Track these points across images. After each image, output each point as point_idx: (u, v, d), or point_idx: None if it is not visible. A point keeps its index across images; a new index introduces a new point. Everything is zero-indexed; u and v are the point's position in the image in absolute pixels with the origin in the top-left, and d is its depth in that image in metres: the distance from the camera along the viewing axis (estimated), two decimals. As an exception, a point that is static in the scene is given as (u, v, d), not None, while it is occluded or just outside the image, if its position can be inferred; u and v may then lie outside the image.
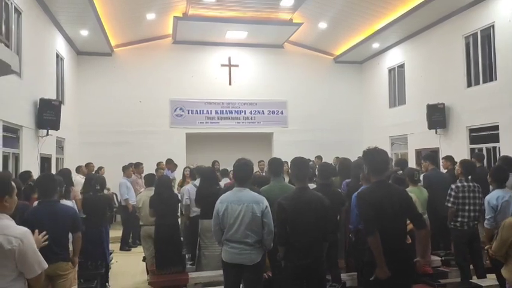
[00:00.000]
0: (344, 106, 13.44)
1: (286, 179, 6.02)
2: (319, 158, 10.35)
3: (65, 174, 5.89)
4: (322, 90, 13.34)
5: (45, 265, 2.32)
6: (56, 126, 8.45)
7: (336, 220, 4.33)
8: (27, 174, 5.90)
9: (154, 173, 7.65)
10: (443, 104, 9.68)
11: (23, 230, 2.24)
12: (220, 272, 4.08)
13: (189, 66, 12.53)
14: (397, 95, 12.12)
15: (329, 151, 10.94)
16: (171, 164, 9.72)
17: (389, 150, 11.79)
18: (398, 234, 3.08)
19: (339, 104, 13.39)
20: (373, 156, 3.24)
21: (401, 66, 11.79)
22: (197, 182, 5.88)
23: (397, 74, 12.08)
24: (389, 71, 12.43)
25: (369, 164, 3.24)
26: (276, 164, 4.38)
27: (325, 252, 3.51)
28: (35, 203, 4.17)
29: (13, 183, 2.33)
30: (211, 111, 12.72)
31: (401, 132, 11.61)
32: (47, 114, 8.21)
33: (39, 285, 2.33)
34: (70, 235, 3.79)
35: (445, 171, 7.00)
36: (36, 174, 6.76)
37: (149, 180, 6.26)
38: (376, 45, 12.16)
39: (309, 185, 3.75)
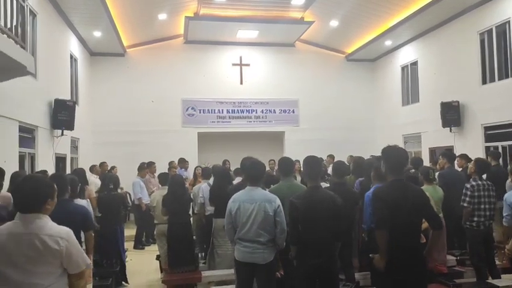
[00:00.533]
0: (356, 104, 13.34)
1: (298, 178, 6.02)
2: (331, 156, 10.30)
3: (80, 173, 5.98)
4: (333, 89, 13.27)
5: (89, 261, 2.42)
6: (71, 127, 8.58)
7: (350, 219, 4.30)
8: (43, 173, 6.00)
9: (168, 172, 7.71)
10: (458, 101, 9.53)
11: (66, 230, 2.31)
12: (233, 270, 4.10)
13: (200, 65, 12.59)
14: (410, 93, 11.99)
15: (341, 150, 10.87)
16: (183, 163, 9.79)
17: (402, 148, 11.65)
18: (413, 233, 3.06)
19: (351, 102, 13.30)
20: (392, 154, 3.21)
21: (415, 63, 11.65)
22: (211, 181, 5.91)
23: (410, 71, 11.94)
24: (402, 68, 12.29)
25: (387, 161, 3.20)
26: (285, 164, 4.37)
27: (338, 251, 3.49)
28: None
29: (55, 186, 2.41)
30: (222, 110, 12.76)
31: (415, 130, 11.48)
32: (62, 115, 8.34)
33: (83, 281, 2.39)
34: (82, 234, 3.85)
35: (460, 169, 6.91)
36: (51, 173, 6.88)
37: (163, 179, 6.32)
38: (388, 43, 12.04)
39: (321, 183, 3.74)
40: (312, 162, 3.61)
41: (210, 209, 5.72)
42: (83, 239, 3.85)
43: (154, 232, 8.94)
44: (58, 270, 2.25)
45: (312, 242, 3.33)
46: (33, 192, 2.26)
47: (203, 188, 5.97)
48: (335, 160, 9.18)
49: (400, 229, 3.00)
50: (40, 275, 2.19)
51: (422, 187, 4.60)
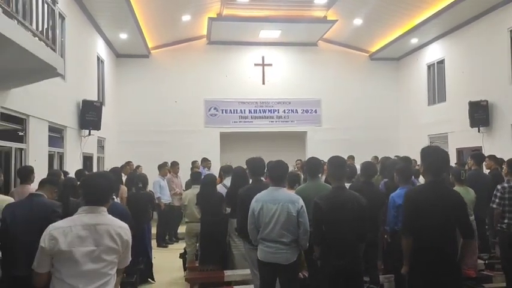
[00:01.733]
0: (380, 104, 13.14)
1: (322, 178, 5.97)
2: (351, 158, 10.16)
3: (116, 172, 6.12)
4: (357, 88, 13.11)
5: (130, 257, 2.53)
6: (98, 127, 8.81)
7: (376, 220, 4.25)
8: (81, 172, 6.17)
9: (200, 171, 7.79)
10: (487, 101, 9.25)
11: (126, 224, 2.46)
12: (249, 271, 4.12)
13: (223, 66, 12.68)
14: (436, 92, 11.71)
15: (364, 150, 10.73)
16: (206, 162, 9.88)
17: (428, 149, 11.39)
18: (445, 237, 2.96)
19: (374, 101, 13.11)
20: (432, 155, 3.13)
21: (441, 62, 11.37)
22: (226, 181, 5.94)
23: (437, 70, 11.66)
24: (429, 67, 12.02)
25: (426, 162, 3.12)
26: (312, 164, 4.35)
27: (362, 252, 3.46)
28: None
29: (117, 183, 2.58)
30: (244, 110, 12.81)
31: (441, 130, 11.21)
32: (89, 115, 8.57)
33: (121, 277, 2.53)
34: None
35: (487, 171, 6.71)
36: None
37: (195, 178, 6.40)
38: (414, 41, 11.80)
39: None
40: (337, 162, 3.59)
41: (227, 209, 5.74)
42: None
43: (178, 230, 9.19)
44: (117, 261, 2.36)
45: (336, 243, 3.32)
46: (104, 186, 2.43)
47: (218, 188, 6.00)
48: (356, 161, 9.18)
49: (431, 232, 2.93)
50: (110, 265, 2.30)
51: (453, 188, 4.49)
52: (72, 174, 6.16)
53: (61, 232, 2.25)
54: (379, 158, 8.35)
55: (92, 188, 2.41)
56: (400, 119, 13.21)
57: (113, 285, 2.33)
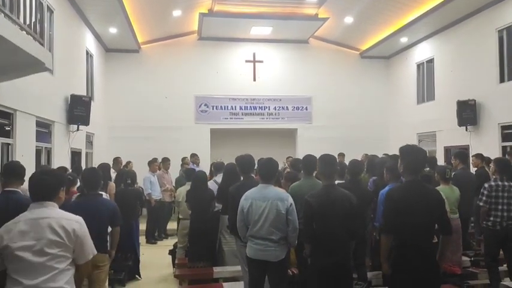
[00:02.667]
0: (370, 102, 13.24)
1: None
2: (341, 155, 10.22)
3: (105, 168, 6.07)
4: (347, 86, 13.18)
5: (95, 251, 2.53)
6: (86, 122, 8.72)
7: (364, 218, 4.29)
8: (63, 169, 6.10)
9: (193, 167, 7.76)
10: (474, 100, 9.38)
11: (78, 217, 2.46)
12: (239, 267, 4.13)
13: (214, 62, 12.63)
14: (425, 91, 11.83)
15: (354, 148, 10.81)
16: (195, 158, 9.85)
17: (416, 147, 11.53)
18: (425, 234, 3.04)
19: (364, 100, 13.20)
20: (410, 153, 3.18)
21: (431, 61, 11.49)
22: (218, 178, 5.95)
23: (426, 69, 11.77)
24: (418, 66, 12.14)
25: (404, 161, 3.17)
26: (309, 162, 4.36)
27: (352, 250, 3.49)
28: (74, 196, 4.34)
29: (66, 178, 2.54)
30: (235, 107, 12.80)
31: (430, 129, 11.34)
32: (78, 110, 8.48)
33: (87, 272, 2.53)
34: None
35: (474, 169, 6.81)
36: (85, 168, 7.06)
37: (190, 174, 6.38)
38: (404, 40, 11.89)
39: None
40: (328, 160, 3.61)
41: (218, 206, 5.75)
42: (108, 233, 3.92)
43: (168, 227, 9.16)
44: (70, 257, 2.35)
45: (326, 240, 3.35)
46: (48, 181, 2.43)
47: (209, 185, 6.00)
48: (345, 158, 9.25)
49: (412, 229, 2.99)
50: (56, 258, 2.29)
51: (438, 187, 4.56)
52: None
53: (6, 229, 2.31)
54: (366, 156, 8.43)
55: (36, 185, 2.44)
56: (390, 117, 13.32)
57: (65, 280, 2.30)
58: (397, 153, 3.39)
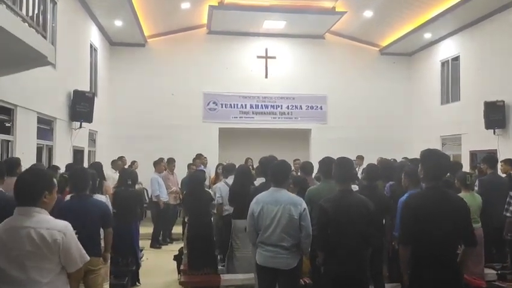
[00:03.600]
0: (390, 102, 13.13)
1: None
2: (360, 158, 10.19)
3: (97, 167, 6.14)
4: (366, 85, 13.09)
5: (87, 258, 2.46)
6: (89, 119, 8.82)
7: (381, 225, 4.26)
8: (55, 169, 6.17)
9: (190, 169, 7.78)
10: (503, 101, 9.23)
11: (64, 224, 2.37)
12: (252, 275, 4.13)
13: (223, 57, 12.66)
14: (450, 91, 11.70)
15: (372, 151, 10.73)
16: (200, 159, 9.87)
17: (439, 151, 11.40)
18: (447, 245, 2.99)
19: (384, 99, 13.10)
20: (432, 158, 3.14)
21: (456, 58, 11.35)
22: (229, 180, 5.96)
23: (451, 67, 11.64)
24: (442, 64, 12.00)
25: (425, 166, 3.13)
26: (327, 164, 4.36)
27: (369, 259, 3.47)
28: (67, 197, 4.39)
29: (54, 181, 2.48)
30: (245, 105, 12.82)
31: (454, 131, 11.21)
32: (81, 106, 8.58)
33: (79, 278, 2.50)
34: (102, 230, 3.97)
35: (503, 175, 6.71)
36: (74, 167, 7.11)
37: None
38: (427, 36, 11.77)
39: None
40: (344, 163, 3.61)
41: (227, 209, 5.77)
42: (102, 236, 3.96)
43: (173, 231, 9.21)
44: (57, 267, 2.30)
45: (341, 248, 3.33)
46: (30, 184, 2.34)
47: (220, 187, 6.02)
48: (364, 162, 9.20)
49: (432, 240, 2.95)
50: (38, 271, 2.24)
51: (459, 194, 4.50)
52: (63, 169, 6.18)
53: None
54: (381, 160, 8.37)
55: (18, 188, 2.35)
56: (412, 118, 13.20)
57: None
58: (418, 157, 3.36)
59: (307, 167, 5.77)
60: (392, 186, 5.12)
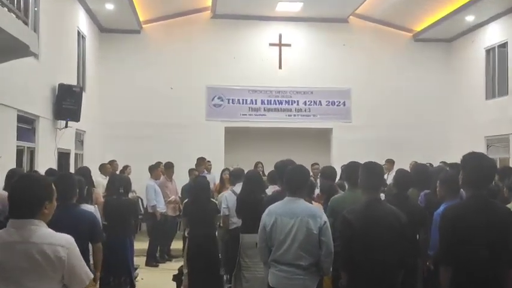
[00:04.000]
0: (425, 96, 13.05)
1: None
2: (390, 162, 10.12)
3: (85, 173, 6.20)
4: (397, 76, 13.03)
5: (92, 275, 2.50)
6: (76, 117, 8.92)
7: (415, 240, 4.23)
8: (52, 171, 6.26)
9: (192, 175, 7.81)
10: (561, 95, 9.13)
11: (67, 238, 2.40)
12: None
13: (230, 45, 12.70)
14: (496, 83, 11.61)
15: (403, 154, 10.68)
16: (206, 164, 9.88)
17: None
18: (491, 264, 2.96)
19: (418, 93, 13.02)
20: (474, 163, 3.12)
21: (503, 45, 11.25)
22: (236, 187, 5.98)
23: (498, 55, 11.55)
24: (487, 51, 11.91)
25: (467, 173, 3.12)
26: (352, 170, 4.36)
27: (400, 281, 3.45)
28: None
29: (53, 187, 2.51)
30: (256, 100, 12.84)
31: (502, 131, 11.10)
32: (67, 103, 8.67)
33: None
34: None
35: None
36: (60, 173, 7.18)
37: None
38: (470, 19, 11.69)
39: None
40: (371, 168, 3.60)
41: (235, 222, 5.77)
42: (91, 252, 4.00)
43: (171, 247, 9.25)
44: (57, 286, 2.33)
45: (368, 268, 3.32)
46: (28, 194, 2.35)
47: (226, 196, 6.03)
48: (395, 166, 9.13)
49: (476, 259, 2.93)
50: None
51: (507, 205, 4.45)
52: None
53: None
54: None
55: (16, 198, 2.37)
56: (451, 115, 13.10)
57: None
58: (458, 161, 3.34)
59: (328, 172, 5.75)
60: (427, 195, 5.09)
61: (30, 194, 2.36)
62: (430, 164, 7.94)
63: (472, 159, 3.17)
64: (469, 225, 2.97)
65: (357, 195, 4.17)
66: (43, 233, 2.34)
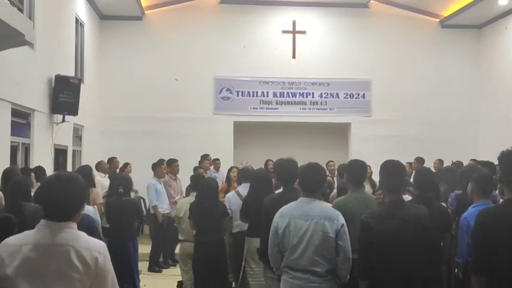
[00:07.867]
0: (454, 88, 12.94)
1: (367, 188, 5.95)
2: (419, 160, 10.06)
3: (85, 172, 6.25)
4: (422, 66, 12.96)
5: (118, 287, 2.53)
6: (74, 111, 8.98)
7: (439, 247, 4.22)
8: (27, 171, 6.29)
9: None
10: None
11: (103, 244, 2.45)
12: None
13: (240, 33, 12.72)
14: (532, 73, 11.49)
15: (430, 151, 10.63)
16: (216, 162, 9.89)
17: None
18: None
19: (446, 85, 12.93)
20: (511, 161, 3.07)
21: (540, 31, 11.13)
22: (241, 188, 6.00)
23: (534, 43, 11.43)
24: (522, 38, 11.80)
25: (505, 172, 3.06)
26: (356, 168, 4.38)
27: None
28: None
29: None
30: (267, 93, 12.84)
31: (538, 126, 10.99)
32: (64, 96, 8.73)
33: None
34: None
35: None
36: (49, 170, 7.25)
37: (196, 182, 6.46)
38: (503, 2, 11.56)
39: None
40: (393, 168, 3.58)
41: (238, 225, 5.80)
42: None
43: (176, 251, 9.29)
44: None
45: (389, 276, 3.32)
46: (69, 196, 2.39)
47: (230, 197, 6.07)
48: (424, 165, 9.07)
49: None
50: None
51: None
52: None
53: (8, 251, 2.29)
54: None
55: (49, 199, 2.39)
56: (481, 109, 13.02)
57: None
58: (490, 159, 3.31)
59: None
60: (459, 196, 5.06)
61: (71, 195, 2.40)
62: (459, 162, 7.89)
63: (510, 158, 3.12)
64: (508, 231, 2.93)
65: (362, 197, 4.20)
66: (80, 236, 2.39)
